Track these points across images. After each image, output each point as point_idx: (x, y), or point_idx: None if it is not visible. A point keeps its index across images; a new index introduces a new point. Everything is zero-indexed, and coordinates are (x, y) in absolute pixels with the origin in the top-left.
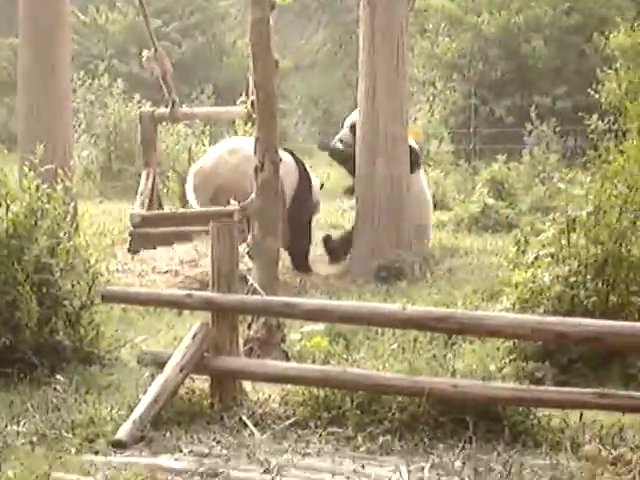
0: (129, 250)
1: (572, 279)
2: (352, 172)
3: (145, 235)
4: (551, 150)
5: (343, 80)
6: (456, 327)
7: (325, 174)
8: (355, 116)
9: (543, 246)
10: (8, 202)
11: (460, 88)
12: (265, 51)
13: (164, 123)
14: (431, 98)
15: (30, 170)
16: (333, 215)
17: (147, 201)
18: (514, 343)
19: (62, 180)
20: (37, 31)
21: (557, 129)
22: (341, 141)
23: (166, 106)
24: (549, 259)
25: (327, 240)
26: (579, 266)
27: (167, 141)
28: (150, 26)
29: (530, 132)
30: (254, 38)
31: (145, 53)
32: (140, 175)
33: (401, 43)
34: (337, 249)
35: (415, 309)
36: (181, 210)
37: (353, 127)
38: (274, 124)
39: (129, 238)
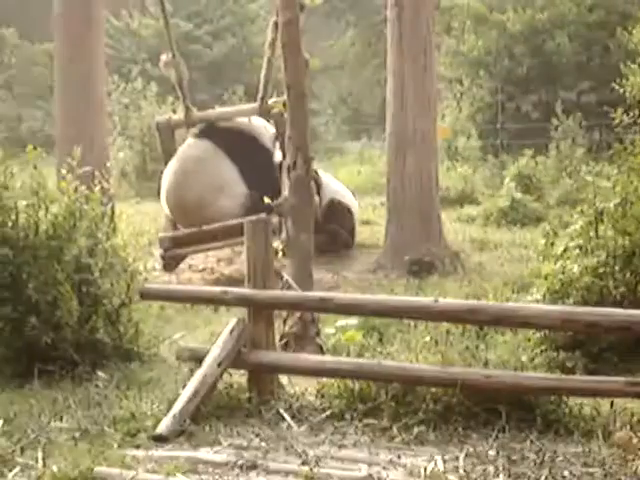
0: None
1: (601, 270)
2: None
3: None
4: (577, 144)
5: (372, 79)
6: (488, 319)
7: (357, 171)
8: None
9: (572, 238)
10: (47, 204)
11: (487, 85)
12: (295, 52)
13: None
14: (458, 95)
15: (68, 172)
16: (365, 211)
17: None
18: (545, 334)
19: (99, 182)
20: (71, 36)
21: (582, 123)
22: None
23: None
24: (578, 251)
25: None
26: (607, 257)
27: None
28: (170, 31)
29: (556, 127)
30: (284, 39)
31: (163, 57)
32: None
33: (428, 42)
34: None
35: (447, 302)
36: (211, 226)
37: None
38: (305, 123)
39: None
